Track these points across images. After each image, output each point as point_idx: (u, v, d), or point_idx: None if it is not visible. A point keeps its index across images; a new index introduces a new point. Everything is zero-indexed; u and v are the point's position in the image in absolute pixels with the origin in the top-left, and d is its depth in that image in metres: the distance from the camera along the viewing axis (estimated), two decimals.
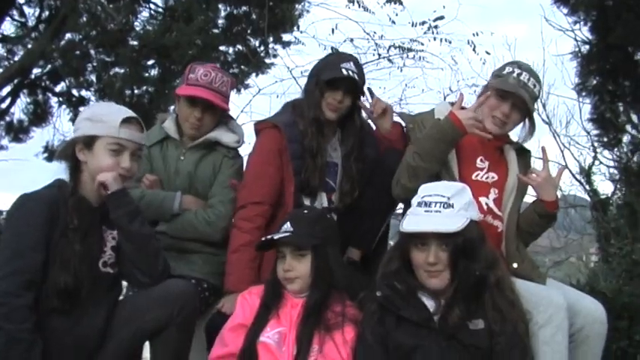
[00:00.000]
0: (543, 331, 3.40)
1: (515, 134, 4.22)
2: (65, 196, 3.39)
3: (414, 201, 3.42)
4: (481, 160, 4.03)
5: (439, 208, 3.31)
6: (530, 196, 4.15)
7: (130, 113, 3.52)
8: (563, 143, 15.07)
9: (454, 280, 3.30)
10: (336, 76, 4.10)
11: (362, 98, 4.26)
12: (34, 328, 3.16)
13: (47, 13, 11.57)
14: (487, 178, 4.02)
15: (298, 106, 4.26)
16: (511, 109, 3.97)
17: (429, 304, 3.33)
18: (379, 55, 11.70)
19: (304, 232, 3.54)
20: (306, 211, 3.85)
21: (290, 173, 4.08)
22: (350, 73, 4.10)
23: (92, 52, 11.24)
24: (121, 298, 3.70)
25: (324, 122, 4.14)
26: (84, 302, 3.34)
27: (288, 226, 3.54)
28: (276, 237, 3.53)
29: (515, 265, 3.88)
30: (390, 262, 3.45)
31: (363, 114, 4.29)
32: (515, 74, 4.01)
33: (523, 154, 4.18)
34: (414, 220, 3.34)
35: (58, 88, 12.54)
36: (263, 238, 3.66)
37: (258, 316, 3.49)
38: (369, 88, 4.37)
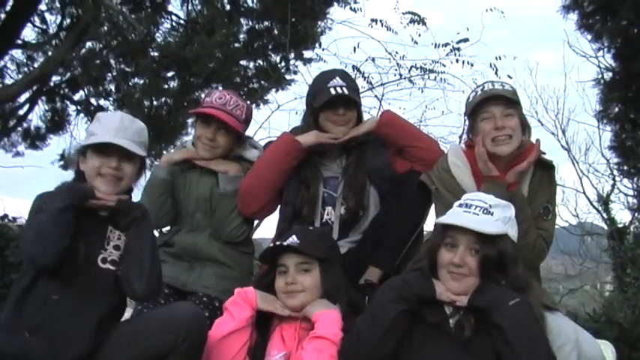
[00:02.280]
0: None
1: None
2: None
3: (457, 202, 3.41)
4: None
5: (478, 211, 3.29)
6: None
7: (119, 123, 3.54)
8: (582, 170, 15.01)
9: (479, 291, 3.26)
10: (325, 99, 4.17)
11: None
12: None
13: (69, 20, 11.57)
14: None
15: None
16: (504, 119, 3.85)
17: (447, 307, 3.31)
18: (400, 75, 11.66)
19: (311, 244, 3.50)
20: (310, 228, 3.91)
21: (282, 203, 4.27)
22: (338, 89, 4.15)
23: (112, 61, 11.25)
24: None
25: (324, 147, 4.26)
26: (78, 293, 3.32)
27: (293, 238, 3.50)
28: (285, 243, 3.49)
29: None
30: (420, 260, 3.45)
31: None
32: (480, 89, 3.97)
33: (543, 169, 4.01)
34: (452, 215, 3.34)
35: (76, 97, 12.58)
36: (271, 244, 3.64)
37: (256, 345, 3.46)
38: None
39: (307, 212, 4.21)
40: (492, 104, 3.86)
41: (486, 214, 3.28)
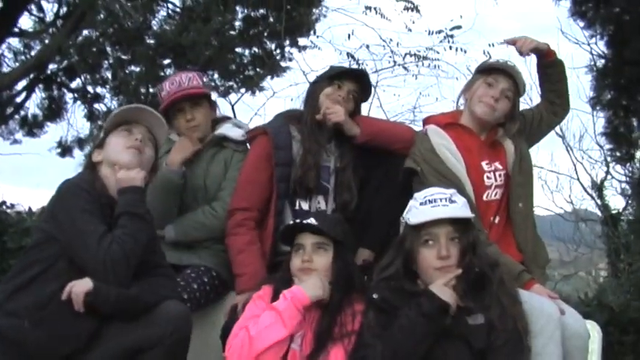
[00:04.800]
0: (535, 342, 3.31)
1: None
2: None
3: (415, 203, 3.39)
4: (487, 164, 4.03)
5: (446, 202, 3.31)
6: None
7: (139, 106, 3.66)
8: (576, 157, 15.08)
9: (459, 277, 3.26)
10: (340, 70, 4.29)
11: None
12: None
13: (65, 9, 11.61)
14: (496, 194, 4.00)
15: (293, 114, 4.35)
16: (500, 95, 4.01)
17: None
18: (394, 62, 11.76)
19: (329, 226, 3.52)
20: (327, 213, 3.98)
21: (274, 180, 4.11)
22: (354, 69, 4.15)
23: (109, 49, 11.29)
24: None
25: (320, 126, 4.16)
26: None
27: (311, 220, 3.52)
28: (305, 221, 3.51)
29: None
30: (389, 266, 3.41)
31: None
32: (501, 60, 4.16)
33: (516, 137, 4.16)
34: (424, 213, 3.31)
35: (73, 84, 12.62)
36: (291, 222, 3.67)
37: None
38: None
39: (310, 185, 4.11)
40: (502, 76, 4.04)
41: (452, 202, 3.31)
